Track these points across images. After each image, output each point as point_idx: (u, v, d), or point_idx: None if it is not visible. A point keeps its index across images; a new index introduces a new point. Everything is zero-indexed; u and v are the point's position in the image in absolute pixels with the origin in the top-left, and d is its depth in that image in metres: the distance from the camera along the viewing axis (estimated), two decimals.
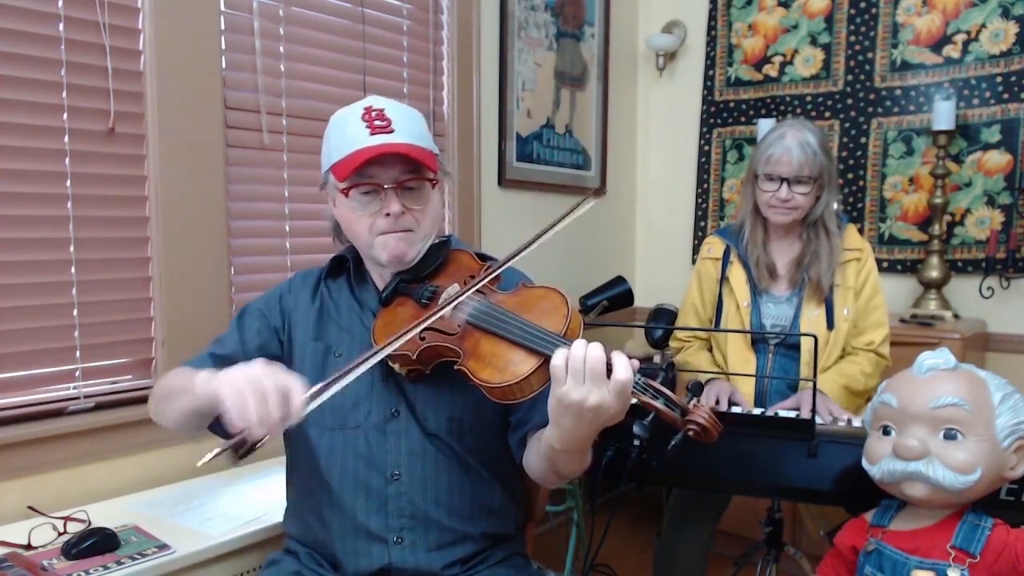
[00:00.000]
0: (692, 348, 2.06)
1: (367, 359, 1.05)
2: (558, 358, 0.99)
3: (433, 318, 1.11)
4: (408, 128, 1.23)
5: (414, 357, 1.15)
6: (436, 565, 1.22)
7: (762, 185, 1.88)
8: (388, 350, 1.09)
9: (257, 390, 0.94)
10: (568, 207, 1.17)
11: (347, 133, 1.22)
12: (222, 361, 1.25)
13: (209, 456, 0.94)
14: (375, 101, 1.25)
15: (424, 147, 1.23)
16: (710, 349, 2.04)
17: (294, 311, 1.33)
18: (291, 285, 1.37)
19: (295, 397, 0.96)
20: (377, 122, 1.21)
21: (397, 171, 1.20)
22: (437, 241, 1.31)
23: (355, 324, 1.30)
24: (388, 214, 1.20)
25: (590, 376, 0.97)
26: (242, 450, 0.95)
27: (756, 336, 1.93)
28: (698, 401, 1.02)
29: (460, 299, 1.14)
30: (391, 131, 1.21)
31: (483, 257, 1.31)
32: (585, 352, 0.98)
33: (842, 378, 1.84)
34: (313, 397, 0.99)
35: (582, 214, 1.16)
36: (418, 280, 1.27)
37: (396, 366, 1.20)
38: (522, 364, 1.05)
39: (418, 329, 1.11)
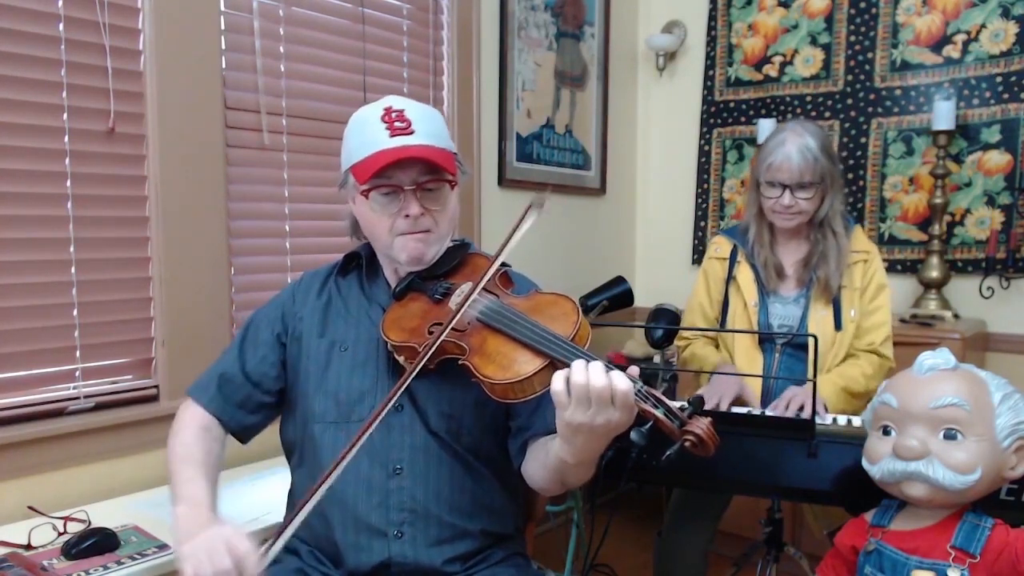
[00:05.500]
0: (698, 343, 2.05)
1: (327, 477, 1.05)
2: (558, 383, 0.99)
3: (452, 321, 1.12)
4: (427, 129, 1.24)
5: (420, 350, 1.16)
6: (436, 560, 1.22)
7: (765, 192, 1.87)
8: (401, 388, 1.10)
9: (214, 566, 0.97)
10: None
11: (367, 134, 1.23)
12: (225, 382, 1.29)
13: None
14: (395, 101, 1.26)
15: (443, 147, 1.24)
16: (716, 347, 2.03)
17: (301, 310, 1.34)
18: (299, 285, 1.38)
19: (248, 561, 0.98)
20: (397, 123, 1.22)
21: (416, 172, 1.21)
22: (455, 243, 1.33)
23: (362, 318, 1.31)
24: (408, 215, 1.21)
25: (595, 401, 0.98)
26: None
27: (764, 335, 1.93)
28: (698, 414, 1.01)
29: (474, 295, 1.15)
30: (411, 132, 1.22)
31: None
32: (587, 378, 0.97)
33: (842, 379, 1.83)
34: (268, 549, 1.01)
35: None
36: (433, 278, 1.28)
37: (402, 359, 1.21)
38: (527, 364, 1.06)
39: (439, 339, 1.11)
